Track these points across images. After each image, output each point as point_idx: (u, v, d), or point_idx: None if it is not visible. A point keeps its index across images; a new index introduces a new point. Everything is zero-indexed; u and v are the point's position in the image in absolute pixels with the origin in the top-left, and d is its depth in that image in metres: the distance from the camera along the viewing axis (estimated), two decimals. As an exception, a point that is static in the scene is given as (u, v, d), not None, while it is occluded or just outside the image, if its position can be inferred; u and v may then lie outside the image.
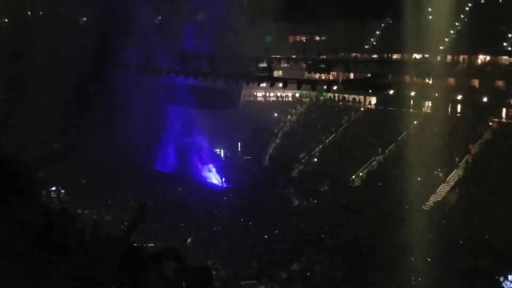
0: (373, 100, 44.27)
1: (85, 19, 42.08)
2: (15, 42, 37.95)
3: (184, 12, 40.42)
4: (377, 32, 44.10)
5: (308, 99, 47.75)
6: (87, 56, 33.81)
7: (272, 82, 30.64)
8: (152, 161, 40.79)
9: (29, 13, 44.12)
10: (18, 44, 37.90)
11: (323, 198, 33.95)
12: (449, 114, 39.32)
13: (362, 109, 44.95)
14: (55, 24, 39.00)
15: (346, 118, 44.05)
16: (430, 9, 36.82)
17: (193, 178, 39.16)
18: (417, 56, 40.25)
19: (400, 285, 22.88)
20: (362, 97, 44.80)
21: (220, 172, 39.78)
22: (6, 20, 44.33)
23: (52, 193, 33.17)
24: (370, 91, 36.87)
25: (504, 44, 38.27)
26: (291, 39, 48.17)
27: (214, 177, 40.08)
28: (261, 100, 49.02)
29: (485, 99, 38.43)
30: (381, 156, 37.63)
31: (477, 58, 40.40)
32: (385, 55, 38.01)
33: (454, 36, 38.94)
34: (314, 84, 30.61)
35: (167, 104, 38.15)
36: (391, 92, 38.22)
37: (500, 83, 38.92)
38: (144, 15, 43.26)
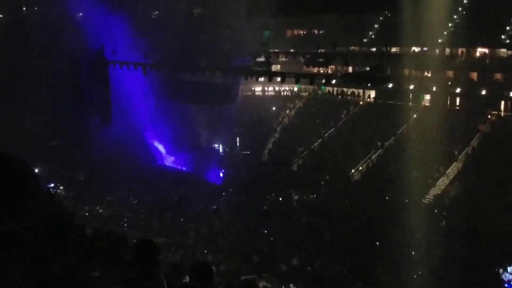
0: (372, 93, 44.13)
1: (81, 14, 41.83)
2: (11, 38, 37.76)
3: (181, 7, 40.24)
4: (376, 26, 43.93)
5: (306, 93, 47.60)
6: (83, 52, 33.65)
7: (270, 76, 30.49)
8: (150, 157, 40.74)
9: (24, 8, 43.95)
10: (14, 39, 37.72)
11: (322, 192, 33.92)
12: (448, 107, 39.26)
13: (361, 102, 44.84)
14: (51, 19, 38.82)
15: (345, 112, 43.94)
16: (428, 2, 36.66)
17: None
18: (415, 49, 40.12)
19: (400, 278, 22.89)
20: (361, 91, 44.64)
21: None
22: (1, 16, 44.15)
23: (51, 189, 33.09)
24: (369, 84, 36.73)
25: (503, 36, 38.16)
26: (289, 33, 47.95)
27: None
28: (260, 95, 48.84)
29: (483, 92, 38.38)
30: (380, 150, 37.59)
31: (475, 51, 40.30)
32: (384, 49, 37.85)
33: (452, 29, 38.80)
34: (312, 78, 30.46)
35: (165, 99, 38.00)
36: (390, 85, 38.15)
37: (498, 75, 38.85)
38: (140, 9, 43.07)
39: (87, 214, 29.69)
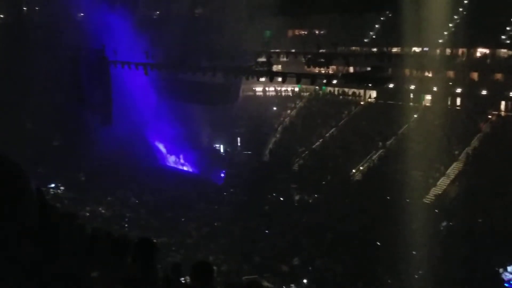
0: (373, 93, 44.15)
1: (82, 14, 41.92)
2: (11, 38, 37.82)
3: (182, 7, 40.25)
4: (377, 26, 43.93)
5: (307, 93, 47.60)
6: (84, 52, 33.70)
7: (271, 76, 30.51)
8: (151, 157, 40.77)
9: (24, 8, 44.02)
10: (15, 39, 37.77)
11: (323, 192, 33.92)
12: (448, 107, 39.26)
13: (362, 102, 44.84)
14: (51, 19, 38.90)
15: (346, 112, 43.94)
16: (429, 2, 36.67)
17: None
18: (416, 49, 40.12)
19: (400, 278, 22.92)
20: (362, 91, 44.67)
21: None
22: (1, 16, 44.20)
23: (51, 189, 33.14)
24: (369, 84, 36.74)
25: (503, 37, 38.14)
26: (290, 33, 47.95)
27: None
28: (261, 95, 48.86)
29: (484, 92, 38.37)
30: (381, 150, 37.58)
31: (476, 51, 40.30)
32: (385, 49, 37.83)
33: (453, 29, 38.81)
34: (313, 78, 30.45)
35: (167, 99, 38.04)
36: (391, 85, 38.15)
37: (499, 76, 38.83)
38: (141, 9, 43.10)
39: (88, 214, 29.74)
